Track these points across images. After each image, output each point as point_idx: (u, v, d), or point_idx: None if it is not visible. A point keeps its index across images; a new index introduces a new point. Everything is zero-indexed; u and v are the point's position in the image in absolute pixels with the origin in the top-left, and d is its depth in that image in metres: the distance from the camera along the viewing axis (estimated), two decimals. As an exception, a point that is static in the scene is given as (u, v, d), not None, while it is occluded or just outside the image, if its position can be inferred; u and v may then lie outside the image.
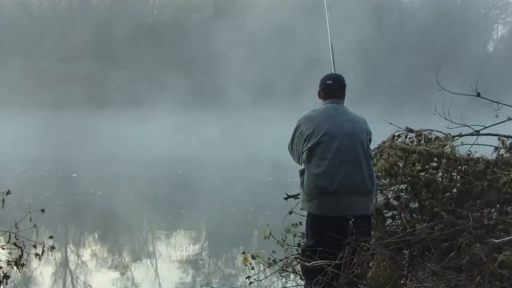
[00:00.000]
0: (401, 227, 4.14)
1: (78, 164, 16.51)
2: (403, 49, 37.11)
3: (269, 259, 4.30)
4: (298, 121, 4.09)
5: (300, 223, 4.43)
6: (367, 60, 33.42)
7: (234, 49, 34.58)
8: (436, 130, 4.58)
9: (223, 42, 35.22)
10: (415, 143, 4.44)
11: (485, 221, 4.00)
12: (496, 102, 4.73)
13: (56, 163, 16.66)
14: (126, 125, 26.52)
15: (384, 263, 3.78)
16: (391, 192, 4.34)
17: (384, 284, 3.65)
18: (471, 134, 4.73)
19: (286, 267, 4.35)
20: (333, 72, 4.40)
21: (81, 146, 21.13)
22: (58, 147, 20.56)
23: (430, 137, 4.50)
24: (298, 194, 4.18)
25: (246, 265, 4.40)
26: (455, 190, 4.19)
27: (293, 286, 4.52)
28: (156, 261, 6.99)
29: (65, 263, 6.85)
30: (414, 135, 4.53)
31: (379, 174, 4.26)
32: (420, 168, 4.25)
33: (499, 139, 4.44)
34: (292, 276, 4.52)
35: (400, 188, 4.31)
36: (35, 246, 4.25)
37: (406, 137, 4.54)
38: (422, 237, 3.92)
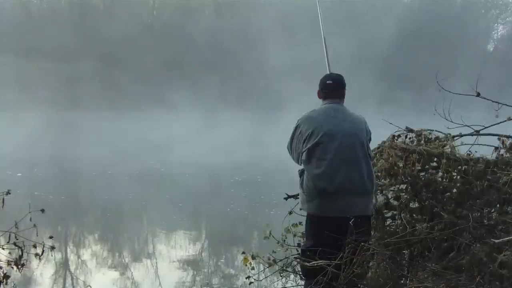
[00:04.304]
0: (401, 227, 4.14)
1: (79, 164, 16.52)
2: (402, 48, 37.12)
3: (269, 259, 4.30)
4: (298, 121, 4.08)
5: (300, 223, 4.42)
6: (365, 61, 33.41)
7: (239, 46, 34.69)
8: (436, 130, 4.57)
9: (226, 40, 35.28)
10: (415, 143, 4.43)
11: (485, 221, 4.00)
12: (496, 102, 4.71)
13: (57, 163, 16.66)
14: (128, 126, 26.52)
15: (384, 263, 3.78)
16: (391, 192, 4.33)
17: (384, 284, 3.65)
18: (471, 134, 4.71)
19: (286, 267, 4.34)
20: (328, 67, 4.41)
21: (82, 146, 21.13)
22: (59, 148, 20.55)
23: (430, 137, 4.49)
24: (298, 194, 4.18)
25: (246, 265, 4.39)
26: (455, 190, 4.19)
27: (293, 286, 4.52)
28: (156, 261, 6.99)
29: (65, 263, 6.85)
30: (414, 135, 4.52)
31: (379, 174, 4.25)
32: (420, 168, 4.24)
33: (499, 139, 4.43)
34: (292, 276, 4.52)
35: (400, 188, 4.30)
36: (35, 246, 4.24)
37: (406, 137, 4.53)
38: (422, 237, 3.92)
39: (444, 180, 4.20)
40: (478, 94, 4.71)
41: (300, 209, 4.11)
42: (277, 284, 4.86)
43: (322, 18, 4.74)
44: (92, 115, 29.32)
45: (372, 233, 4.12)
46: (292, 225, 4.54)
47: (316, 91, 4.19)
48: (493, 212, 4.17)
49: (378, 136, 4.41)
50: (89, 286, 5.76)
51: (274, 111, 29.20)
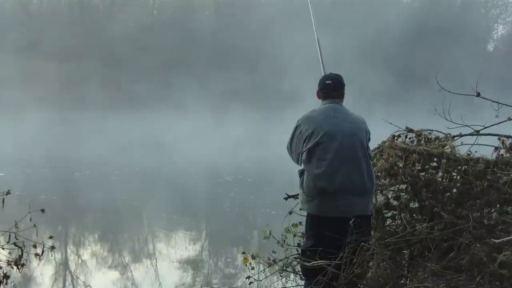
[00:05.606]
0: (401, 227, 4.14)
1: (79, 165, 16.51)
2: (402, 48, 37.10)
3: (269, 259, 4.30)
4: (298, 121, 4.08)
5: (300, 223, 4.42)
6: (366, 61, 33.39)
7: (240, 45, 34.70)
8: (436, 130, 4.57)
9: (227, 39, 35.28)
10: (415, 143, 4.44)
11: (485, 221, 3.99)
12: (496, 102, 4.71)
13: (57, 164, 16.66)
14: (130, 125, 26.51)
15: (384, 263, 3.78)
16: (391, 192, 4.33)
17: (384, 284, 3.65)
18: (471, 134, 4.71)
19: (286, 267, 4.34)
20: (322, 67, 4.41)
21: (84, 146, 21.12)
22: (59, 148, 20.55)
23: (430, 137, 4.49)
24: (298, 194, 4.18)
25: (246, 265, 4.39)
26: (455, 190, 4.19)
27: (293, 286, 4.52)
28: (156, 261, 6.99)
29: (65, 263, 6.85)
30: (414, 135, 4.52)
31: (379, 174, 4.25)
32: (420, 168, 4.24)
33: (499, 139, 4.43)
34: (292, 276, 4.52)
35: (400, 188, 4.30)
36: (35, 246, 4.24)
37: (406, 137, 4.53)
38: (422, 237, 3.92)
39: (444, 180, 4.20)
40: (478, 94, 4.70)
41: (300, 209, 4.11)
42: (277, 284, 4.86)
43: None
44: (94, 115, 29.33)
45: (372, 233, 4.12)
46: (292, 225, 4.54)
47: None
48: (493, 212, 4.17)
49: (378, 136, 4.41)
50: (89, 286, 5.76)
51: (280, 110, 29.14)
